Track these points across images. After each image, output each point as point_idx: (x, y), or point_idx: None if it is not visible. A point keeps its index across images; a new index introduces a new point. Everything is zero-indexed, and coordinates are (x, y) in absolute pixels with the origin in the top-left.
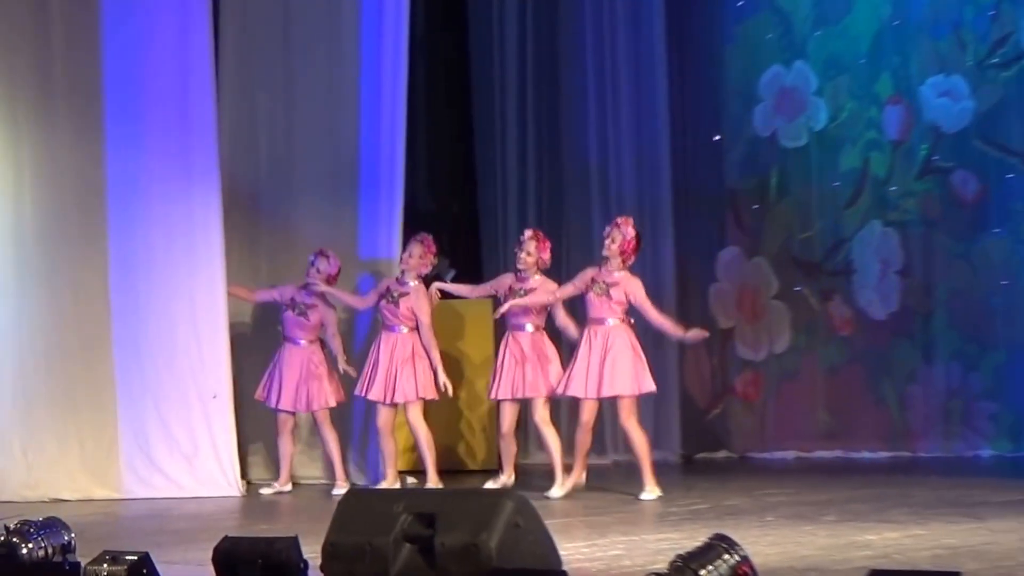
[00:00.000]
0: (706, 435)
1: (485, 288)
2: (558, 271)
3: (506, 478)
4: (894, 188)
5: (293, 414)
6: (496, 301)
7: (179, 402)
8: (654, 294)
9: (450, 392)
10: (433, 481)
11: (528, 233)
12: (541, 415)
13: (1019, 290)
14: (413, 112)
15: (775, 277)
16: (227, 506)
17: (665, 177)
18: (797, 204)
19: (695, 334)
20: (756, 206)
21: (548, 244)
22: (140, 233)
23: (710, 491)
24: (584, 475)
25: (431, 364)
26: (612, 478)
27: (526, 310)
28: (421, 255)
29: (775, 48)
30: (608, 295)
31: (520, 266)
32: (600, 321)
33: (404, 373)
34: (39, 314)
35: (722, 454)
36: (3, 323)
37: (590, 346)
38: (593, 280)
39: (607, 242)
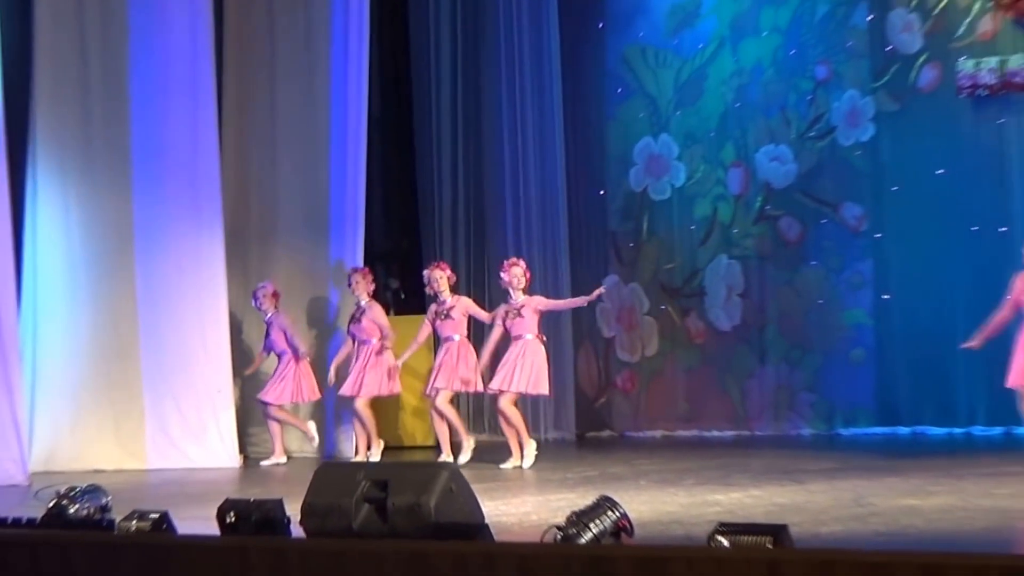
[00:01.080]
0: (595, 418)
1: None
2: (483, 292)
3: (445, 455)
4: (736, 230)
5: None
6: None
7: (191, 393)
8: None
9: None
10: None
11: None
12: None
13: (830, 309)
14: (369, 168)
15: (646, 298)
16: (228, 475)
17: (563, 220)
18: (662, 243)
19: (595, 293)
20: (632, 244)
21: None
22: (160, 263)
23: (597, 462)
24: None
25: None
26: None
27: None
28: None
29: (646, 124)
30: (520, 315)
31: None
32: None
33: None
34: (83, 325)
35: (606, 433)
36: (56, 332)
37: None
38: (507, 312)
39: (512, 281)
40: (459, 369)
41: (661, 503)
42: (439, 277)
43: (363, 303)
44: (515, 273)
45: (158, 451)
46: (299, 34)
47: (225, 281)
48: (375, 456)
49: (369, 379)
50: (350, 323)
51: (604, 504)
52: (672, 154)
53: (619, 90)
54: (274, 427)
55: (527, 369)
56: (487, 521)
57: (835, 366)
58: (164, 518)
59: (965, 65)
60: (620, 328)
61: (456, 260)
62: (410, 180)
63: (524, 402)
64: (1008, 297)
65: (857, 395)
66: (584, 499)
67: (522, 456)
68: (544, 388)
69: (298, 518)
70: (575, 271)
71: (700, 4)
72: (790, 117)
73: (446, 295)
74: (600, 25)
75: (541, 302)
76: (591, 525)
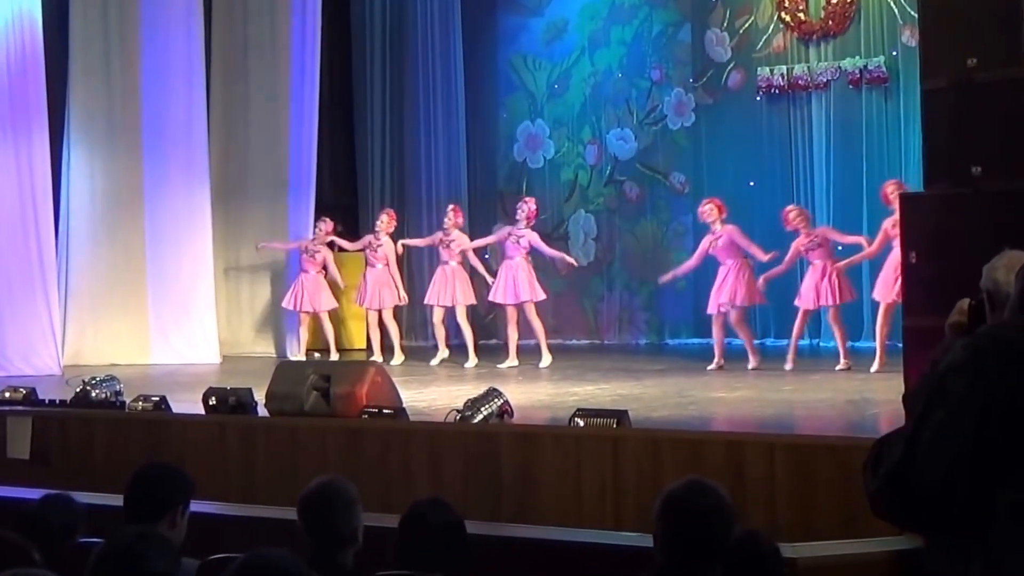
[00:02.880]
0: (486, 330)
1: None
2: (402, 235)
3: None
4: (591, 191)
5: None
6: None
7: (185, 306)
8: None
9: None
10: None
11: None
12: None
13: (661, 250)
14: (319, 138)
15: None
16: (211, 369)
17: (463, 181)
18: (537, 200)
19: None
20: (515, 201)
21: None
22: (162, 212)
23: (487, 364)
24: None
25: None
26: (431, 355)
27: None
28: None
29: (526, 111)
30: (518, 243)
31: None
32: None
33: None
34: (103, 256)
35: (494, 341)
36: (83, 262)
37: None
38: (509, 234)
39: (520, 215)
40: (458, 287)
41: (534, 393)
42: (451, 217)
43: (384, 238)
44: (529, 208)
45: (159, 349)
46: (266, 31)
47: (210, 226)
48: (396, 360)
49: (385, 294)
50: (367, 250)
51: (492, 393)
52: (545, 134)
53: (506, 87)
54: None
55: (527, 281)
56: (404, 405)
57: (664, 293)
58: (163, 401)
59: (763, 71)
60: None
61: (383, 212)
62: (350, 150)
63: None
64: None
65: (680, 314)
66: (477, 390)
67: (541, 357)
68: (540, 293)
69: (263, 402)
70: (472, 221)
71: (567, 23)
72: (633, 108)
73: (452, 231)
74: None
75: (536, 239)
76: (482, 409)
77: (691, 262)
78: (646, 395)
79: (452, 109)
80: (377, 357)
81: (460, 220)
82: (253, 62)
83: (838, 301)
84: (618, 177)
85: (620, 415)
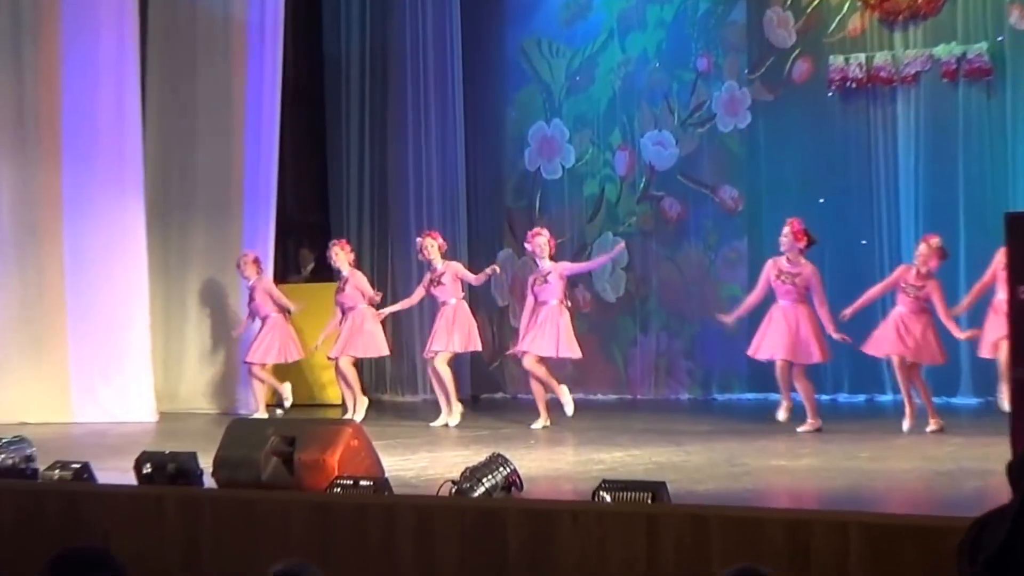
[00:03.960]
0: (489, 381)
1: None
2: (384, 272)
3: (445, 415)
4: (621, 209)
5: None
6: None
7: (113, 353)
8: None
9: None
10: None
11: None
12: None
13: (709, 282)
14: (282, 145)
15: None
16: (146, 429)
17: (461, 197)
18: (553, 219)
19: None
20: (525, 219)
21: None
22: (87, 234)
23: (491, 422)
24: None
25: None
26: (421, 411)
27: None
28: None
29: (540, 109)
30: (547, 281)
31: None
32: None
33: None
34: (11, 288)
35: (499, 395)
36: None
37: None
38: (535, 279)
39: (536, 250)
40: (455, 332)
41: (549, 460)
42: (430, 245)
43: (345, 273)
44: (539, 243)
45: (82, 406)
46: (217, 22)
47: (146, 250)
48: (359, 415)
49: (356, 341)
50: (336, 293)
51: (496, 460)
52: (564, 137)
53: (516, 76)
54: (256, 385)
55: (552, 333)
56: (387, 475)
57: (711, 335)
58: (85, 468)
59: (835, 60)
60: (513, 298)
61: (360, 233)
62: (320, 158)
63: (424, 366)
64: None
65: (731, 363)
66: (478, 456)
67: (563, 404)
68: (575, 350)
69: (211, 470)
70: (472, 245)
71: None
72: (673, 105)
73: (437, 262)
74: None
75: (566, 267)
76: (484, 480)
77: (756, 295)
78: (689, 463)
79: (448, 107)
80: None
81: (441, 243)
82: (202, 59)
83: (930, 362)
84: (655, 192)
85: (656, 488)
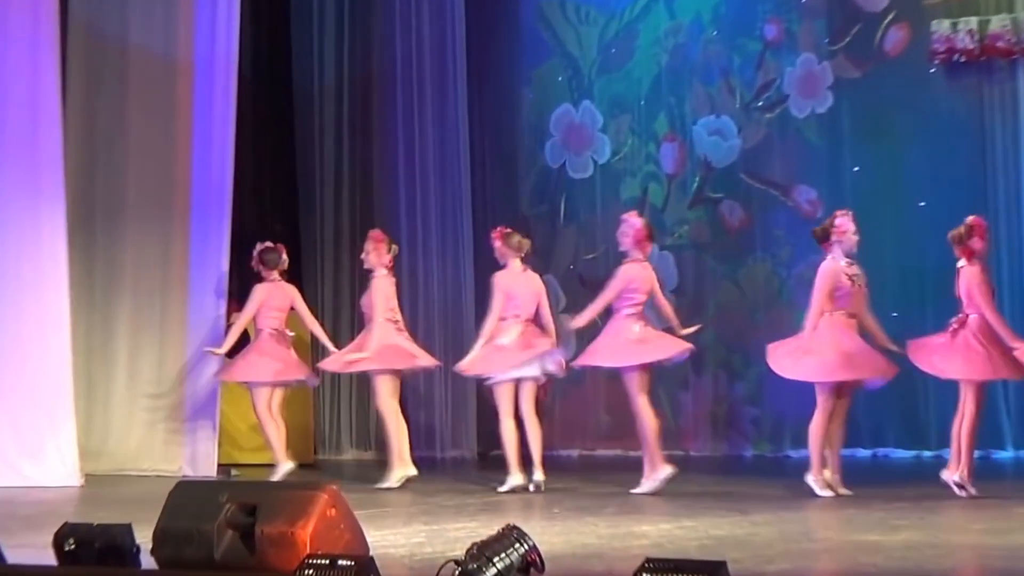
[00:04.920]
0: (499, 434)
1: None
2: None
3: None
4: (669, 216)
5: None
6: None
7: (27, 403)
8: (454, 308)
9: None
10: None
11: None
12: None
13: (779, 307)
14: (241, 139)
15: (563, 293)
16: (69, 496)
17: (466, 202)
18: (583, 229)
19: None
20: (546, 230)
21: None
22: None
23: (503, 485)
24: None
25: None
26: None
27: None
28: (371, 248)
29: (565, 89)
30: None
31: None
32: None
33: None
34: None
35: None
36: None
37: None
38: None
39: (621, 238)
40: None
41: (577, 534)
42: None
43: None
44: (630, 230)
45: None
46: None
47: (66, 269)
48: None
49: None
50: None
51: (510, 535)
52: (596, 124)
53: (535, 48)
54: (267, 424)
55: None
56: (372, 553)
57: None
58: None
59: (940, 26)
60: None
61: (338, 244)
62: (288, 155)
63: (417, 416)
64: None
65: (808, 411)
66: (487, 529)
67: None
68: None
69: (149, 546)
70: (480, 262)
71: None
72: (734, 84)
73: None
74: None
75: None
76: (495, 559)
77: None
78: (756, 538)
79: (447, 87)
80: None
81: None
82: (134, 46)
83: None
84: (711, 193)
85: (715, 569)
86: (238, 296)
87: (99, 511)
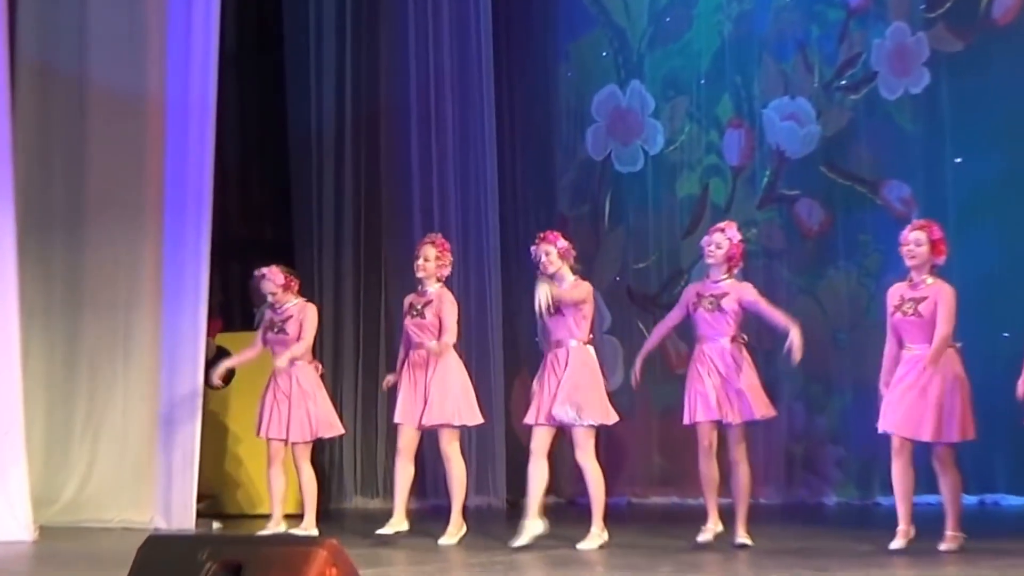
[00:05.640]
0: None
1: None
2: (377, 298)
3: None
4: (735, 216)
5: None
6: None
7: None
8: (478, 327)
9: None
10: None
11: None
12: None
13: (868, 327)
14: (224, 132)
15: (607, 311)
16: (18, 552)
17: (492, 201)
18: (632, 232)
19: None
20: (588, 234)
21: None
22: None
23: (538, 539)
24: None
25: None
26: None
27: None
28: (438, 256)
29: (610, 66)
30: (720, 310)
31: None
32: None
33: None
34: None
35: (551, 499)
36: None
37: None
38: (698, 296)
39: (711, 249)
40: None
41: None
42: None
43: (430, 289)
44: (721, 244)
45: None
46: None
47: (16, 285)
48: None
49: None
50: (406, 316)
51: None
52: (646, 108)
53: (573, 18)
54: (274, 480)
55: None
56: None
57: (872, 410)
58: None
59: None
60: None
61: (339, 254)
62: (279, 148)
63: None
64: None
65: None
66: None
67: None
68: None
69: None
70: (508, 271)
71: None
72: (812, 59)
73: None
74: None
75: (750, 298)
76: None
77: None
78: None
79: (469, 63)
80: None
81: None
82: (95, 29)
83: None
84: (785, 190)
85: None
86: (221, 314)
87: (55, 572)
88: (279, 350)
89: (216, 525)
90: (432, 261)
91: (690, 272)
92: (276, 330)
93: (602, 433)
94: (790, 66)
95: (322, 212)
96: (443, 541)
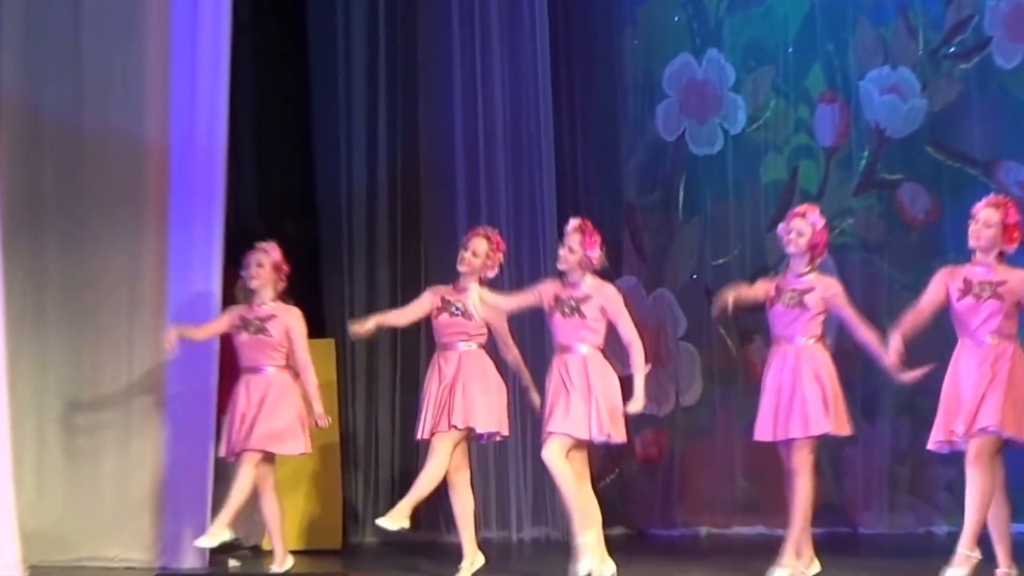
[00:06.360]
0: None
1: (527, 298)
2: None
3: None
4: (829, 204)
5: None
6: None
7: None
8: (533, 334)
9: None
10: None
11: (573, 224)
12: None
13: None
14: (238, 114)
15: (682, 314)
16: None
17: (548, 190)
18: (710, 224)
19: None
20: (659, 225)
21: (597, 239)
22: None
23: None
24: None
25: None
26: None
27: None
28: (488, 253)
29: (683, 33)
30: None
31: (562, 267)
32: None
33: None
34: None
35: (617, 531)
36: None
37: None
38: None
39: (791, 236)
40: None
41: None
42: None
43: (469, 287)
44: (804, 228)
45: None
46: None
47: (2, 290)
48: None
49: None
50: (439, 312)
51: None
52: (725, 81)
53: None
54: (267, 509)
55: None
56: None
57: None
58: None
59: None
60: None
61: (373, 248)
62: (303, 125)
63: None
64: None
65: None
66: None
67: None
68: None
69: None
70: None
71: None
72: (915, 23)
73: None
74: None
75: (837, 301)
76: None
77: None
78: None
79: (521, 29)
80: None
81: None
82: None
83: None
84: (886, 174)
85: None
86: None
87: None
88: (254, 355)
89: (233, 563)
90: (481, 258)
91: (777, 268)
92: (254, 330)
93: (678, 453)
94: (890, 31)
95: (352, 203)
96: None
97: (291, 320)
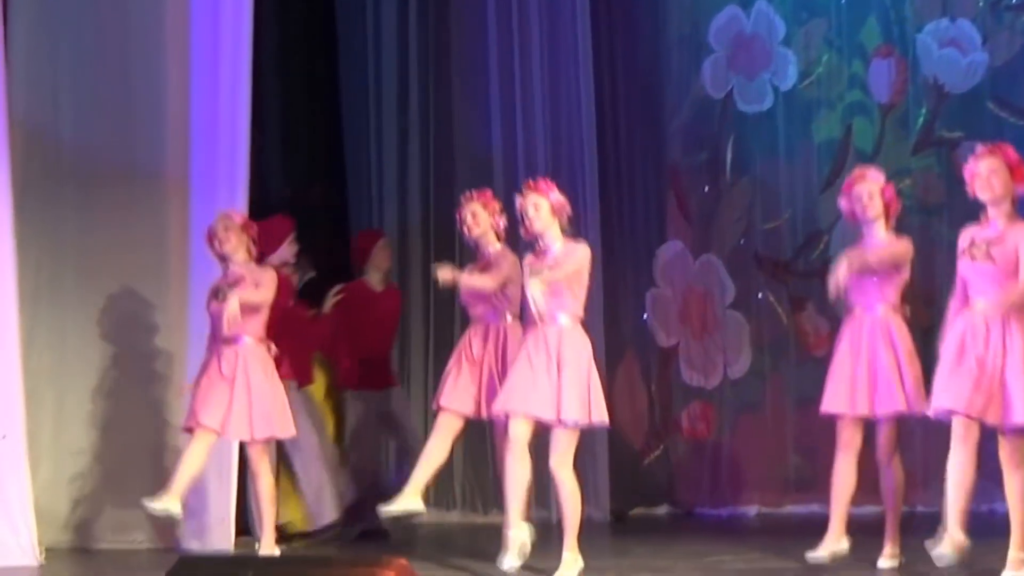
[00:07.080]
0: (643, 485)
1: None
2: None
3: None
4: (884, 164)
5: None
6: None
7: None
8: None
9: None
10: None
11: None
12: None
13: None
14: (262, 77)
15: (731, 280)
16: None
17: (588, 151)
18: (759, 185)
19: None
20: (706, 188)
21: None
22: None
23: (648, 558)
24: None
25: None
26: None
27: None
28: (484, 205)
29: None
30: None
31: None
32: None
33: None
34: None
35: (664, 510)
36: None
37: None
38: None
39: (864, 201)
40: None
41: None
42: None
43: (491, 249)
44: (870, 191)
45: None
46: None
47: (14, 268)
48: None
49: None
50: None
51: None
52: (775, 35)
53: None
54: (263, 503)
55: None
56: None
57: None
58: None
59: None
60: (686, 331)
61: (404, 218)
62: (331, 89)
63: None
64: None
65: None
66: None
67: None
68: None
69: None
70: (608, 237)
71: None
72: None
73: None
74: None
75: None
76: None
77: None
78: None
79: None
80: None
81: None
82: None
83: None
84: (945, 132)
85: None
86: None
87: None
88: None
89: (260, 547)
90: (482, 212)
91: (831, 233)
92: (222, 297)
93: (726, 428)
94: None
95: (382, 168)
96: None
97: (263, 278)
